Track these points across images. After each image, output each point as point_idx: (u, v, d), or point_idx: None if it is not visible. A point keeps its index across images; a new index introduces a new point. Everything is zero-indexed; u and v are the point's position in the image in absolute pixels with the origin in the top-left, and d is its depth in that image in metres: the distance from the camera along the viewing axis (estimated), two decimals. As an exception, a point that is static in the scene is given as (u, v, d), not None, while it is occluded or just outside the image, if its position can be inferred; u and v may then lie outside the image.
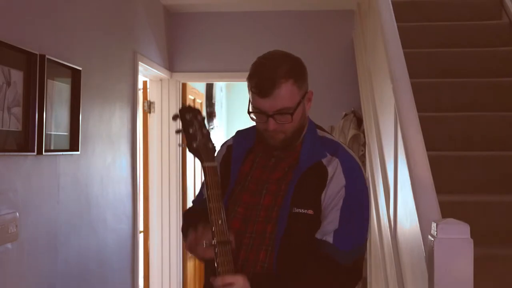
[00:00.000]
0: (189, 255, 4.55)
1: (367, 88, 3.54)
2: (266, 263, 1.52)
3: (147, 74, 4.24)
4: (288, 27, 4.51)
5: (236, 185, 1.62)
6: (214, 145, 1.50)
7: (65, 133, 2.54)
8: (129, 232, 3.45)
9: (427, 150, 1.97)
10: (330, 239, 1.49)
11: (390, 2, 2.98)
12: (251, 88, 1.52)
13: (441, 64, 3.58)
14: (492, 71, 3.52)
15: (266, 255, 1.52)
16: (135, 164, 3.56)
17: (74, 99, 2.60)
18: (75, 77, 2.61)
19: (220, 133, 6.58)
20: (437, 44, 3.78)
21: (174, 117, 1.50)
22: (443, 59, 3.61)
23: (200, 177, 5.14)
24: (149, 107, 4.51)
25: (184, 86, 4.66)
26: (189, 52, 4.52)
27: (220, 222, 1.44)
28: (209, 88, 5.91)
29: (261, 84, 1.50)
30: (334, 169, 1.54)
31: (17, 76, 2.10)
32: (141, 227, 4.36)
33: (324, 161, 1.56)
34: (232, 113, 7.01)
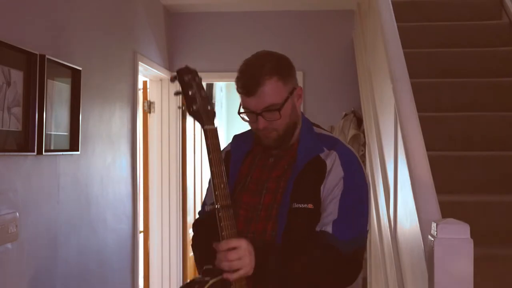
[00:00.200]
0: (190, 254, 4.55)
1: (367, 88, 3.54)
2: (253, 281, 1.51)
3: (147, 74, 4.24)
4: (288, 27, 4.51)
5: (236, 186, 1.62)
6: (214, 107, 1.48)
7: (65, 133, 2.54)
8: (129, 232, 3.45)
9: (427, 150, 1.97)
10: (329, 229, 1.49)
11: (390, 2, 2.98)
12: (238, 88, 1.56)
13: (441, 64, 3.58)
14: (492, 71, 3.52)
15: None
16: (135, 164, 3.56)
17: (74, 99, 2.60)
18: (75, 77, 2.61)
19: (220, 133, 6.57)
20: (437, 44, 3.78)
21: (172, 79, 1.48)
22: (443, 59, 3.61)
23: (199, 178, 5.14)
24: (149, 107, 4.51)
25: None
26: (189, 52, 4.52)
27: (222, 186, 1.43)
28: (209, 88, 5.90)
29: (246, 83, 1.52)
30: (332, 161, 1.55)
31: (17, 76, 2.10)
32: (141, 227, 4.36)
33: (322, 155, 1.57)
34: (232, 113, 7.01)
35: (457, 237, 1.41)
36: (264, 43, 4.50)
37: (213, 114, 1.48)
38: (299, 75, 4.63)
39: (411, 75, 2.42)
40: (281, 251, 1.47)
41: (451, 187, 2.72)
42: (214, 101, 6.17)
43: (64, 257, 2.52)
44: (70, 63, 2.55)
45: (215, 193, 1.42)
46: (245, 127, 1.72)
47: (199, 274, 1.53)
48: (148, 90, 4.54)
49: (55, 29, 2.48)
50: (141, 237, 4.30)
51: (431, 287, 1.43)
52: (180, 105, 4.43)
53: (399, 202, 2.22)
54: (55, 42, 2.46)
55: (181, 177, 4.59)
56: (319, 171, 1.54)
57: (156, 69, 4.12)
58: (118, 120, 3.27)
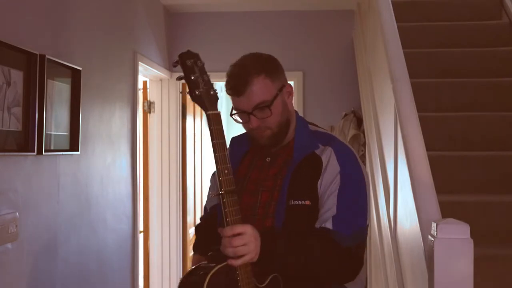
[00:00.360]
0: (189, 254, 4.55)
1: (367, 88, 3.54)
2: (260, 273, 1.51)
3: (147, 74, 4.24)
4: (288, 27, 4.51)
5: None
6: (216, 92, 1.47)
7: (65, 133, 2.54)
8: (129, 232, 3.45)
9: (427, 150, 1.97)
10: (329, 225, 1.49)
11: (390, 2, 2.98)
12: (227, 91, 1.58)
13: (441, 64, 3.58)
14: (492, 71, 3.52)
15: None
16: (135, 164, 3.56)
17: (74, 99, 2.60)
18: (75, 77, 2.61)
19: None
20: (437, 44, 3.78)
21: (175, 64, 1.48)
22: (443, 59, 3.61)
23: (199, 178, 5.14)
24: (149, 107, 4.51)
25: (184, 86, 4.65)
26: (189, 52, 4.51)
27: (226, 171, 1.43)
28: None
29: (235, 84, 1.55)
30: (328, 157, 1.56)
31: (17, 76, 2.10)
32: (141, 227, 4.36)
33: (318, 151, 1.58)
34: (232, 113, 7.00)
35: (457, 237, 1.41)
36: (264, 43, 4.52)
37: (215, 99, 1.48)
38: (299, 75, 4.67)
39: (411, 75, 2.42)
40: (288, 239, 1.47)
41: (451, 187, 2.72)
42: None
43: (64, 257, 2.52)
44: (70, 63, 2.55)
45: (219, 179, 1.42)
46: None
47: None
48: (148, 90, 4.54)
49: (55, 29, 2.48)
50: (141, 237, 4.30)
51: (431, 287, 1.43)
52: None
53: (399, 202, 2.22)
54: (55, 42, 2.46)
55: (181, 177, 4.59)
56: (315, 167, 1.55)
57: (156, 69, 4.12)
58: (118, 120, 3.27)
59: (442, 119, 3.15)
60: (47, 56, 2.28)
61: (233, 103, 1.59)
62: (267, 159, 1.63)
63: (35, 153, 2.21)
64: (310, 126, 1.69)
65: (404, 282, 2.07)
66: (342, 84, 4.41)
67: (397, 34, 2.68)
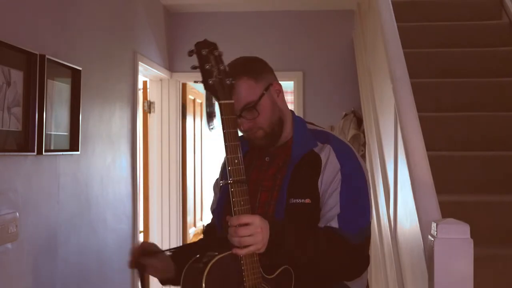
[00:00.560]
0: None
1: (367, 88, 3.54)
2: (270, 265, 1.51)
3: (147, 74, 4.24)
4: (288, 27, 4.51)
5: None
6: (232, 81, 1.47)
7: (65, 133, 2.54)
8: (129, 232, 3.45)
9: (427, 150, 1.97)
10: (335, 224, 1.49)
11: (390, 2, 2.98)
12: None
13: (441, 64, 3.58)
14: (492, 71, 3.52)
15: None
16: (135, 164, 3.56)
17: (74, 99, 2.60)
18: (75, 77, 2.61)
19: (220, 133, 6.57)
20: (437, 44, 3.78)
21: (190, 53, 1.48)
22: (443, 59, 3.61)
23: (199, 178, 5.14)
24: (149, 107, 4.51)
25: (184, 86, 4.66)
26: (189, 52, 4.51)
27: (236, 161, 1.43)
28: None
29: None
30: (327, 155, 1.55)
31: (17, 76, 2.10)
32: (141, 227, 4.36)
33: (316, 149, 1.58)
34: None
35: (457, 237, 1.41)
36: (264, 43, 4.52)
37: (230, 89, 1.47)
38: (299, 75, 4.67)
39: (411, 75, 2.41)
40: (297, 233, 1.47)
41: (451, 187, 2.71)
42: (214, 101, 6.16)
43: (64, 257, 2.52)
44: (70, 63, 2.55)
45: (228, 168, 1.42)
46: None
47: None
48: (148, 90, 4.54)
49: (55, 29, 2.48)
50: (141, 237, 4.30)
51: (431, 287, 1.43)
52: (180, 103, 4.42)
53: (399, 202, 2.22)
54: (55, 42, 2.46)
55: (181, 177, 4.59)
56: (315, 165, 1.55)
57: (156, 69, 4.12)
58: (118, 120, 3.27)
59: (442, 119, 3.14)
60: (47, 56, 2.28)
61: None
62: (266, 159, 1.64)
63: (35, 153, 2.21)
64: (308, 125, 1.69)
65: (404, 282, 2.07)
66: (342, 84, 4.41)
67: (397, 34, 2.68)
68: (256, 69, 1.60)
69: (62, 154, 2.50)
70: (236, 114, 1.54)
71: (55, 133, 2.42)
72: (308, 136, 1.62)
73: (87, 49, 2.81)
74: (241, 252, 1.38)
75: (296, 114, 1.74)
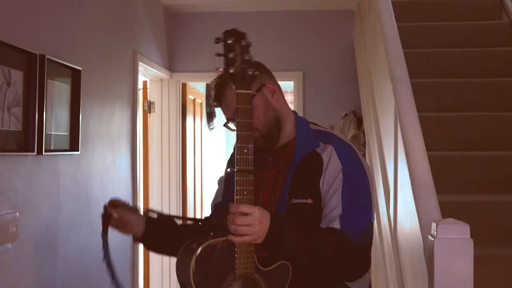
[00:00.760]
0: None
1: (367, 88, 3.54)
2: (269, 259, 1.51)
3: (147, 74, 4.24)
4: (288, 27, 4.51)
5: None
6: (256, 73, 1.48)
7: (65, 133, 2.54)
8: (129, 232, 3.44)
9: (427, 150, 1.97)
10: (337, 225, 1.48)
11: (390, 2, 2.98)
12: (213, 104, 1.67)
13: (441, 64, 3.58)
14: (492, 71, 3.52)
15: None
16: (135, 164, 3.56)
17: (74, 99, 2.60)
18: (75, 77, 2.61)
19: (220, 133, 6.58)
20: (437, 44, 3.78)
21: (217, 40, 1.50)
22: (443, 59, 3.61)
23: (199, 178, 5.14)
24: (149, 107, 4.51)
25: (184, 86, 4.66)
26: (189, 52, 4.52)
27: (245, 151, 1.43)
28: (209, 88, 5.90)
29: (214, 97, 1.64)
30: (329, 155, 1.55)
31: (17, 76, 2.10)
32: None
33: (318, 150, 1.58)
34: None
35: (457, 237, 1.41)
36: (264, 43, 4.51)
37: (251, 79, 1.47)
38: (299, 75, 4.67)
39: (411, 75, 2.42)
40: (298, 232, 1.47)
41: (451, 187, 2.71)
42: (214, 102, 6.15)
43: (64, 257, 2.52)
44: (70, 63, 2.55)
45: (236, 157, 1.43)
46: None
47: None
48: (148, 90, 4.54)
49: (55, 29, 2.48)
50: (141, 237, 4.28)
51: (431, 287, 1.43)
52: (180, 103, 4.41)
53: (399, 202, 2.22)
54: (55, 42, 2.46)
55: (181, 177, 4.59)
56: (316, 165, 1.55)
57: (156, 69, 4.12)
58: (118, 120, 3.27)
59: (442, 119, 3.14)
60: (47, 56, 2.28)
61: (223, 113, 1.66)
62: (269, 159, 1.64)
63: (35, 153, 2.21)
64: (311, 125, 1.69)
65: (404, 282, 2.07)
66: (342, 84, 4.41)
67: (397, 34, 2.68)
68: None
69: (62, 154, 2.50)
70: (231, 117, 1.58)
71: (55, 133, 2.42)
72: (311, 137, 1.62)
73: (87, 49, 2.81)
74: (236, 239, 1.39)
75: (296, 114, 1.74)
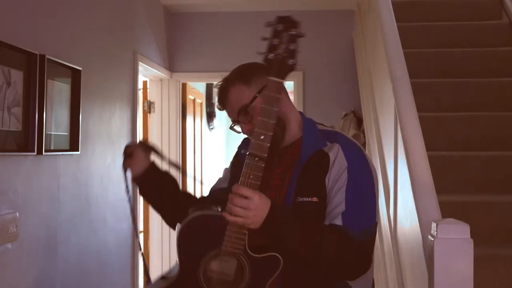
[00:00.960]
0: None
1: (367, 88, 3.54)
2: (265, 248, 1.51)
3: (147, 74, 4.24)
4: (288, 27, 4.50)
5: None
6: (296, 64, 1.45)
7: (65, 133, 2.54)
8: (129, 232, 3.45)
9: (427, 150, 1.97)
10: (339, 222, 1.48)
11: (390, 2, 2.98)
12: (217, 107, 1.68)
13: (441, 64, 3.58)
14: (492, 71, 3.52)
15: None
16: (135, 164, 3.55)
17: (74, 99, 2.61)
18: (75, 77, 2.61)
19: (220, 133, 6.58)
20: (437, 44, 3.78)
21: (266, 24, 1.48)
22: (443, 59, 3.61)
23: (199, 178, 5.14)
24: (149, 107, 4.51)
25: (184, 86, 4.66)
26: (189, 52, 4.52)
27: (262, 137, 1.43)
28: (209, 88, 5.91)
29: (218, 100, 1.65)
30: (336, 153, 1.56)
31: (17, 76, 2.10)
32: (141, 227, 4.36)
33: (325, 149, 1.58)
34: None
35: (457, 237, 1.41)
36: (264, 43, 4.51)
37: (288, 69, 1.45)
38: (299, 75, 4.66)
39: (411, 75, 2.42)
40: (302, 230, 1.46)
41: (451, 187, 2.71)
42: (214, 101, 6.16)
43: (64, 257, 2.52)
44: (70, 63, 2.55)
45: (252, 141, 1.44)
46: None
47: None
48: (148, 90, 4.54)
49: (55, 29, 2.48)
50: (141, 237, 4.30)
51: (431, 287, 1.43)
52: (180, 103, 4.41)
53: (399, 202, 2.22)
54: (55, 42, 2.46)
55: (181, 177, 4.58)
56: (323, 164, 1.55)
57: (156, 69, 4.12)
58: (118, 120, 3.27)
59: (442, 119, 3.14)
60: (47, 56, 2.28)
61: (228, 116, 1.67)
62: (275, 158, 1.64)
63: (35, 153, 2.21)
64: (317, 125, 1.70)
65: (404, 282, 2.07)
66: (342, 84, 4.41)
67: (397, 34, 2.68)
68: (247, 73, 1.63)
69: (62, 154, 2.50)
70: (235, 119, 1.59)
71: (55, 133, 2.42)
72: (318, 137, 1.63)
73: (87, 49, 2.81)
74: (228, 217, 1.41)
75: (297, 114, 1.74)
